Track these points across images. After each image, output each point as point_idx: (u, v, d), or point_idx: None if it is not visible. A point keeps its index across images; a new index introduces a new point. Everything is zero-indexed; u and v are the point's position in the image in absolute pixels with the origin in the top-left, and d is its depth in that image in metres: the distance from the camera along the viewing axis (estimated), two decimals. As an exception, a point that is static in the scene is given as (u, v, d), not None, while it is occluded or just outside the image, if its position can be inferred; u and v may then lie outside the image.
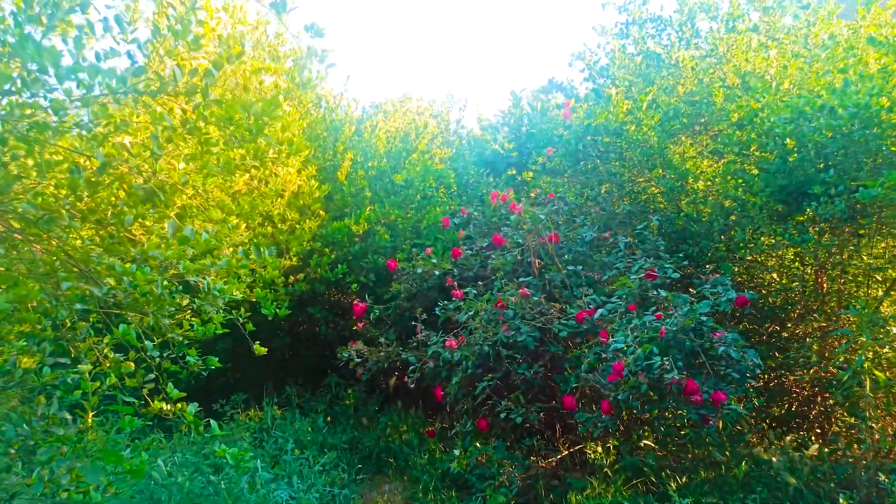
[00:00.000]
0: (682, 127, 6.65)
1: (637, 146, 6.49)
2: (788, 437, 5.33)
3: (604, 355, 4.31)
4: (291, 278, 5.93)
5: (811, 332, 5.87)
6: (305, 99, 7.15)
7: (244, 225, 4.17)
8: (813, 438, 5.75)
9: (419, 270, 5.63)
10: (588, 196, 6.91)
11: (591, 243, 5.81)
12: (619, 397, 3.94)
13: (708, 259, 6.20)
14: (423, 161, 7.78)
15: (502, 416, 4.54)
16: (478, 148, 7.45)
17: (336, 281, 6.29)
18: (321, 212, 6.41)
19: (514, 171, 7.41)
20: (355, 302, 5.71)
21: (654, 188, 6.72)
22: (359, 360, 5.48)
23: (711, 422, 3.75)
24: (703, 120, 6.79)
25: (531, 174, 7.40)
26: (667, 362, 3.80)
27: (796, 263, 6.06)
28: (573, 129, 6.73)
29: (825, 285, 6.04)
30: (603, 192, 6.54)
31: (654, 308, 4.62)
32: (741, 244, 5.96)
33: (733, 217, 6.12)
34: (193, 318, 3.18)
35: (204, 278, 3.00)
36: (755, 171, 5.94)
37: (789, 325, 5.89)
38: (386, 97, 7.77)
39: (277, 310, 5.65)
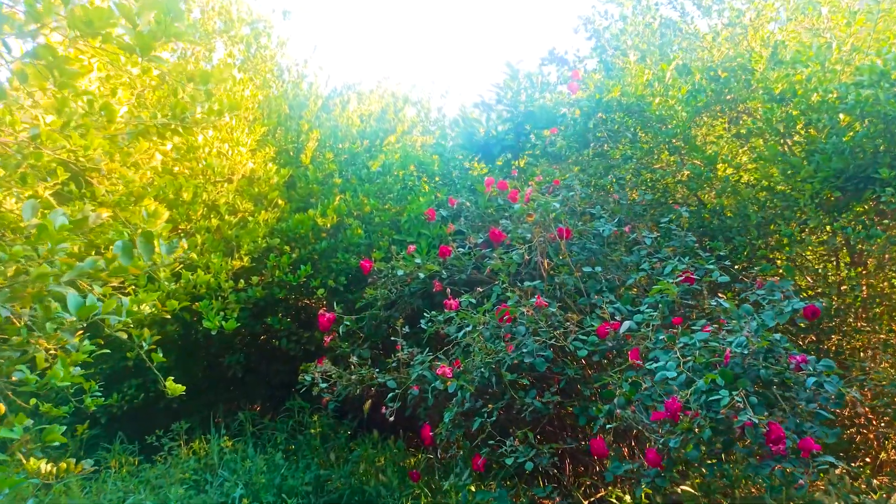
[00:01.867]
0: (704, 105, 5.70)
1: (658, 124, 5.52)
2: (837, 470, 4.39)
3: (644, 385, 3.31)
4: (242, 283, 4.84)
5: (872, 345, 4.96)
6: (263, 68, 6.06)
7: (168, 214, 3.09)
8: (868, 472, 4.84)
9: (399, 273, 4.60)
10: (597, 185, 5.93)
11: (608, 240, 4.82)
12: (671, 444, 2.94)
13: (744, 258, 5.26)
14: (403, 144, 6.73)
15: (508, 461, 3.52)
16: (467, 129, 6.43)
17: (299, 285, 5.22)
18: (280, 201, 5.34)
19: (510, 156, 6.40)
20: (321, 312, 4.65)
21: (676, 175, 5.76)
22: (325, 384, 4.42)
23: (803, 482, 2.77)
24: (728, 97, 5.85)
25: (529, 160, 6.39)
26: (738, 398, 2.81)
27: (832, 263, 5.14)
28: (581, 106, 5.74)
29: (882, 288, 5.14)
30: (614, 180, 5.56)
31: (701, 321, 3.64)
32: (786, 240, 5.02)
33: (771, 208, 5.19)
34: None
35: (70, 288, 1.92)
36: (798, 153, 5.01)
37: (845, 338, 4.97)
38: (360, 78, 6.70)
39: (223, 322, 4.58)
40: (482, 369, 3.62)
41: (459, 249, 4.78)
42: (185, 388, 2.35)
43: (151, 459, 5.33)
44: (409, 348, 4.53)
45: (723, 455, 3.30)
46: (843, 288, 5.25)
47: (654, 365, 3.22)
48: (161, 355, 2.41)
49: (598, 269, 4.39)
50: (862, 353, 5.00)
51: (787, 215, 5.13)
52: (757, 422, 2.74)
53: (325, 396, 4.57)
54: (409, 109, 9.49)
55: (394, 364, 4.47)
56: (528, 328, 3.53)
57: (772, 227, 5.32)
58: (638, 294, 4.70)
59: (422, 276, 4.57)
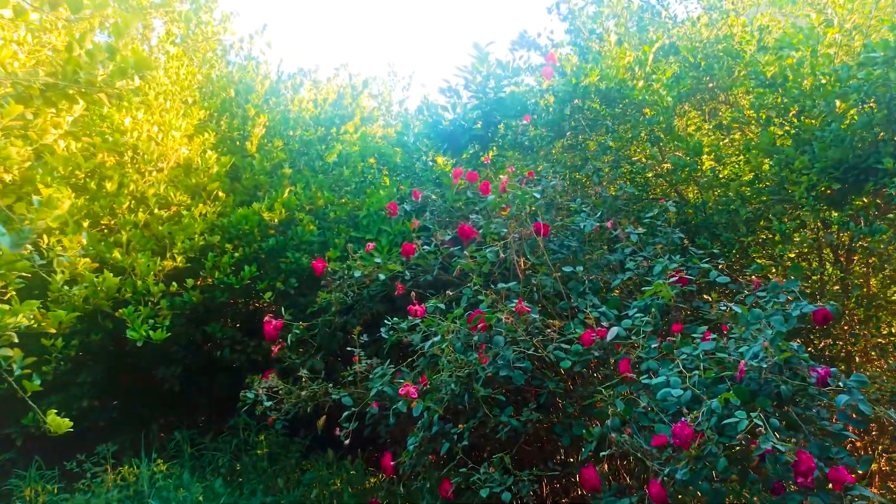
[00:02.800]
0: (686, 92, 5.31)
1: (638, 112, 5.11)
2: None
3: (642, 404, 2.86)
4: (175, 286, 4.23)
5: (868, 349, 4.64)
6: (204, 47, 5.44)
7: (69, 202, 2.49)
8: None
9: (356, 274, 4.06)
10: (573, 179, 5.49)
11: (589, 236, 4.38)
12: (679, 475, 2.48)
13: (732, 256, 4.88)
14: (363, 134, 6.18)
15: (483, 493, 3.02)
16: (431, 118, 5.92)
17: (242, 288, 4.63)
18: (221, 194, 4.74)
19: (479, 148, 5.92)
20: (266, 319, 4.08)
21: (657, 168, 5.36)
22: (269, 402, 3.85)
23: (837, 520, 2.34)
24: (710, 84, 5.48)
25: (497, 151, 5.92)
26: (757, 420, 2.37)
27: (822, 261, 4.79)
28: (556, 92, 5.29)
29: (874, 288, 4.83)
30: (592, 172, 5.12)
31: (701, 327, 3.21)
32: (777, 237, 4.66)
33: (759, 203, 4.83)
34: None
35: None
36: (790, 143, 4.65)
37: (839, 342, 4.63)
38: (317, 64, 6.12)
39: (151, 331, 3.98)
40: (452, 386, 3.11)
41: (425, 247, 4.27)
42: (68, 425, 1.77)
43: (73, 487, 4.67)
44: (367, 359, 4.01)
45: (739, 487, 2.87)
46: (835, 288, 4.93)
47: (653, 380, 2.76)
48: (38, 383, 1.83)
49: (580, 268, 3.93)
50: (857, 358, 4.68)
51: (779, 210, 4.77)
52: (782, 449, 2.30)
53: (272, 415, 4.01)
54: (370, 101, 8.94)
55: (350, 378, 3.93)
56: (506, 338, 3.03)
57: (761, 222, 4.97)
58: (623, 296, 4.27)
59: (382, 277, 4.04)
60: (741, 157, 5.12)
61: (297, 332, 4.12)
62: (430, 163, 6.04)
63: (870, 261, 4.59)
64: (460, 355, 3.08)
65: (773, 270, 4.84)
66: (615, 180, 5.18)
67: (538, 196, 3.68)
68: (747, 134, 5.32)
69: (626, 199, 4.89)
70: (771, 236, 4.91)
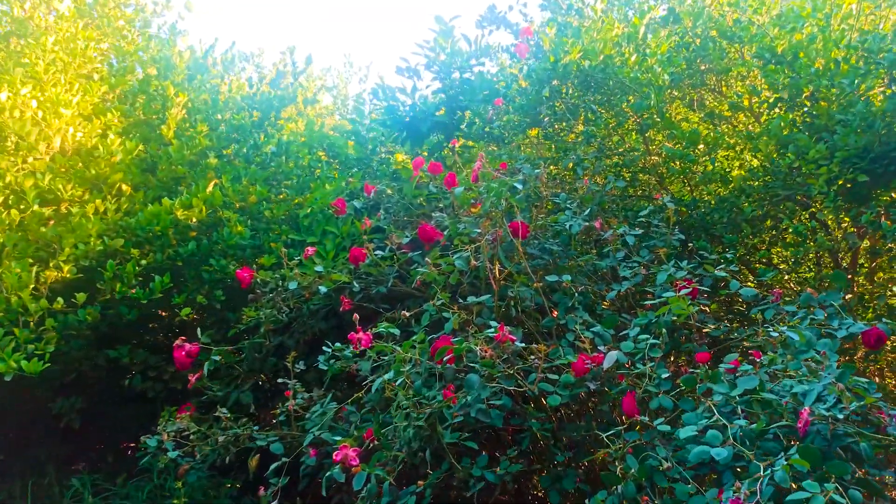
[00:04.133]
0: (677, 76, 4.67)
1: (627, 96, 4.44)
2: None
3: (664, 463, 2.15)
4: (60, 303, 3.37)
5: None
6: (115, 14, 4.58)
7: None
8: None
9: (292, 285, 3.28)
10: (550, 173, 4.81)
11: (576, 238, 3.68)
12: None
13: (737, 261, 4.24)
14: (310, 121, 5.39)
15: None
16: (388, 103, 5.16)
17: (153, 303, 3.79)
18: (125, 187, 3.89)
19: (443, 137, 5.19)
20: (177, 343, 3.26)
21: (647, 160, 4.70)
22: (175, 453, 3.04)
23: None
24: (703, 67, 4.86)
25: (464, 141, 5.19)
26: (837, 497, 1.68)
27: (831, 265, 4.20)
28: (532, 72, 4.59)
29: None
30: (573, 165, 4.44)
31: (729, 355, 2.52)
32: (790, 237, 4.04)
33: (766, 200, 4.22)
34: None
35: None
36: (799, 130, 4.04)
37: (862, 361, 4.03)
38: (260, 48, 5.31)
39: (24, 361, 3.12)
40: (409, 436, 2.35)
41: (377, 252, 3.51)
42: None
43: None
44: (305, 392, 3.23)
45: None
46: (846, 297, 4.34)
47: (680, 432, 2.05)
48: None
49: (567, 277, 3.22)
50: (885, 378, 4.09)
51: (791, 208, 4.16)
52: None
53: (183, 465, 3.19)
54: (325, 96, 8.13)
55: (282, 417, 3.14)
56: (482, 375, 2.28)
57: (768, 222, 4.35)
58: (616, 310, 3.58)
59: (323, 289, 3.26)
60: (745, 146, 4.49)
61: (217, 358, 3.30)
62: (387, 154, 5.27)
63: (897, 266, 4.01)
64: (423, 392, 2.32)
65: (786, 278, 4.23)
66: (600, 173, 4.50)
67: (519, 187, 2.95)
68: (745, 124, 4.72)
69: (614, 194, 4.20)
70: (780, 237, 4.30)
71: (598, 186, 3.81)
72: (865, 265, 4.13)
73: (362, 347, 2.53)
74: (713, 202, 4.52)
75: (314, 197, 4.07)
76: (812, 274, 4.54)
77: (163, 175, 4.17)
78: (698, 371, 2.39)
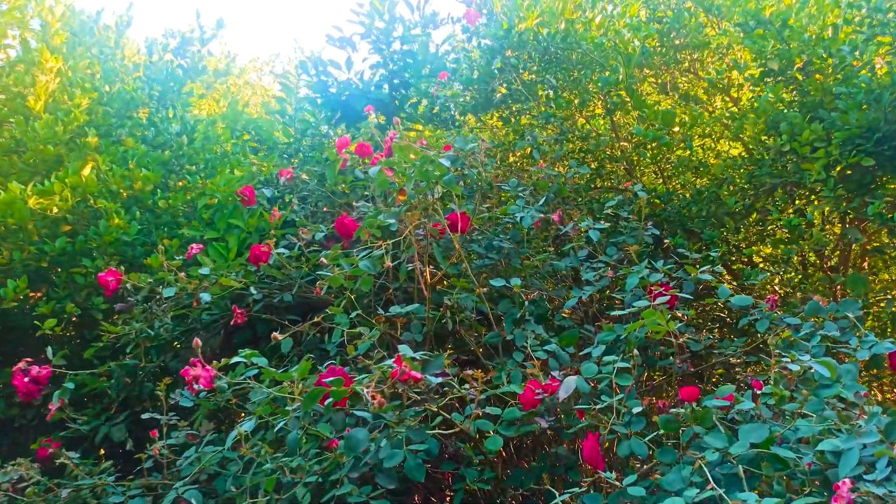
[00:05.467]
0: (648, 52, 4.09)
1: (592, 68, 3.84)
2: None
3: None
4: None
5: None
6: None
7: None
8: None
9: (169, 292, 2.59)
10: (504, 162, 4.20)
11: (529, 234, 3.05)
12: None
13: (719, 260, 3.67)
14: (232, 101, 4.68)
15: None
16: (319, 78, 4.49)
17: (5, 312, 3.06)
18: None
19: (384, 119, 4.52)
20: (17, 367, 2.55)
21: (614, 147, 4.11)
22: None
23: None
24: (676, 42, 4.28)
25: (406, 123, 4.54)
26: None
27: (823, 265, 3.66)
28: (483, 40, 3.97)
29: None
30: (530, 148, 3.82)
31: (725, 387, 1.92)
32: (781, 233, 3.49)
33: (742, 188, 3.67)
34: None
35: None
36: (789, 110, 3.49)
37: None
38: (191, 26, 4.57)
39: None
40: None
41: (285, 251, 2.84)
42: None
43: None
44: (185, 428, 2.54)
45: None
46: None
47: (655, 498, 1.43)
48: None
49: (516, 281, 2.59)
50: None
51: (780, 199, 3.60)
52: None
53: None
54: (274, 85, 7.39)
55: (150, 464, 2.45)
56: (378, 423, 1.63)
57: (753, 215, 3.79)
58: (577, 320, 2.97)
59: (206, 297, 2.57)
60: (722, 133, 3.93)
61: (70, 386, 2.59)
62: (321, 140, 4.58)
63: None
64: (297, 449, 1.66)
65: (776, 280, 3.68)
66: (560, 159, 3.89)
67: (446, 164, 2.30)
68: (724, 108, 4.16)
69: (577, 182, 3.60)
70: (766, 233, 3.75)
71: (556, 173, 3.19)
72: (861, 264, 3.60)
73: (202, 388, 1.85)
74: (689, 194, 3.95)
75: (217, 183, 3.37)
76: (798, 277, 4.01)
77: (31, 157, 3.42)
78: (681, 411, 1.77)
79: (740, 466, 1.51)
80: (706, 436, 1.57)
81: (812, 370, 1.70)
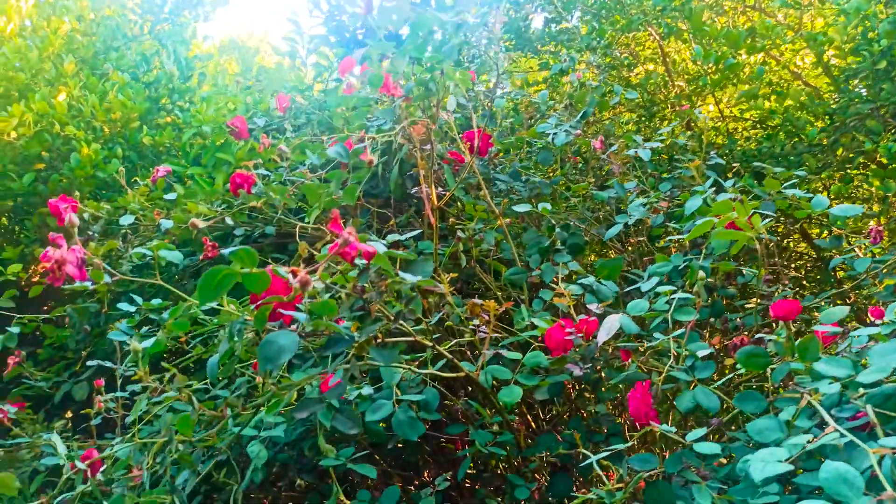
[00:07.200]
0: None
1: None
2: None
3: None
4: None
5: None
6: None
7: None
8: None
9: (126, 220, 2.19)
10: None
11: (562, 155, 2.55)
12: None
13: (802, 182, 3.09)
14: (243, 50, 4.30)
15: None
16: (333, 13, 4.07)
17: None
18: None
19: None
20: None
21: (670, 85, 3.55)
22: None
23: None
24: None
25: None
26: None
27: None
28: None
29: None
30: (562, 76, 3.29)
31: (859, 333, 1.39)
32: (874, 169, 2.89)
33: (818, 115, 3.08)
34: None
35: None
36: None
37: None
38: None
39: None
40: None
41: (268, 174, 2.41)
42: None
43: None
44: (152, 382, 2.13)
45: None
46: None
47: (755, 463, 0.92)
48: None
49: (545, 205, 2.09)
50: None
51: (875, 128, 2.99)
52: None
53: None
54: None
55: (98, 419, 2.04)
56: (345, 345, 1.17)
57: (839, 151, 3.18)
58: (631, 254, 2.46)
59: (167, 224, 2.16)
60: (806, 44, 3.33)
61: (15, 331, 2.22)
62: (334, 83, 4.15)
63: None
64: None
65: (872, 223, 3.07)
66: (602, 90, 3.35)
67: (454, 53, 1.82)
68: (795, 26, 3.55)
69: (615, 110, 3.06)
70: (858, 169, 3.14)
71: (595, 84, 2.67)
72: None
73: (74, 281, 1.40)
74: (758, 130, 3.38)
75: (204, 112, 2.97)
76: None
77: None
78: (772, 337, 1.26)
79: (869, 406, 0.98)
80: (818, 363, 1.06)
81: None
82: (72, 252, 1.09)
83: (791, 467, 0.86)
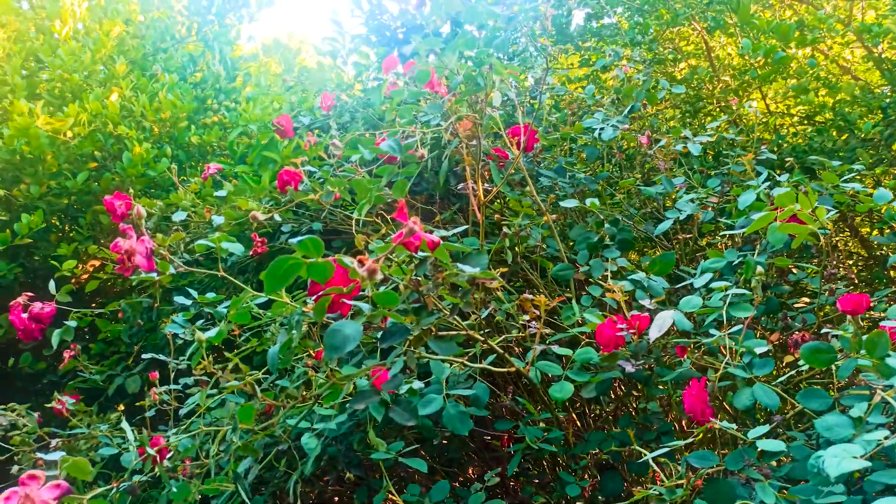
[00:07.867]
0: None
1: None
2: None
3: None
4: None
5: None
6: None
7: None
8: None
9: (180, 216, 2.24)
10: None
11: (610, 149, 2.53)
12: None
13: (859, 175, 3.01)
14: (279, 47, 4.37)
15: None
16: (374, 12, 4.10)
17: (31, 255, 2.83)
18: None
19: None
20: (15, 302, 2.26)
21: (716, 81, 3.49)
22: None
23: None
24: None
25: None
26: None
27: None
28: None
29: None
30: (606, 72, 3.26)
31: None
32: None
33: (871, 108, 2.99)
34: None
35: None
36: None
37: None
38: None
39: None
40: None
41: (315, 172, 2.45)
42: None
43: None
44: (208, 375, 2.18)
45: None
46: None
47: (828, 459, 0.90)
48: None
49: (593, 200, 2.08)
50: None
51: None
52: None
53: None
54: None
55: (152, 410, 2.10)
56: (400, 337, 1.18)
57: (895, 146, 3.09)
58: (683, 249, 2.43)
59: (218, 220, 2.20)
60: (857, 37, 3.23)
61: (73, 324, 2.29)
62: (375, 82, 4.19)
63: None
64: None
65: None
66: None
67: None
68: (845, 19, 3.45)
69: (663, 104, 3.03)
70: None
71: (644, 77, 2.64)
72: None
73: (141, 272, 1.43)
74: (807, 125, 3.30)
75: (251, 111, 3.02)
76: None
77: (54, 86, 3.19)
78: (838, 333, 1.23)
79: (948, 406, 0.95)
80: (889, 359, 1.03)
81: None
82: (140, 243, 1.12)
83: (868, 464, 0.84)
